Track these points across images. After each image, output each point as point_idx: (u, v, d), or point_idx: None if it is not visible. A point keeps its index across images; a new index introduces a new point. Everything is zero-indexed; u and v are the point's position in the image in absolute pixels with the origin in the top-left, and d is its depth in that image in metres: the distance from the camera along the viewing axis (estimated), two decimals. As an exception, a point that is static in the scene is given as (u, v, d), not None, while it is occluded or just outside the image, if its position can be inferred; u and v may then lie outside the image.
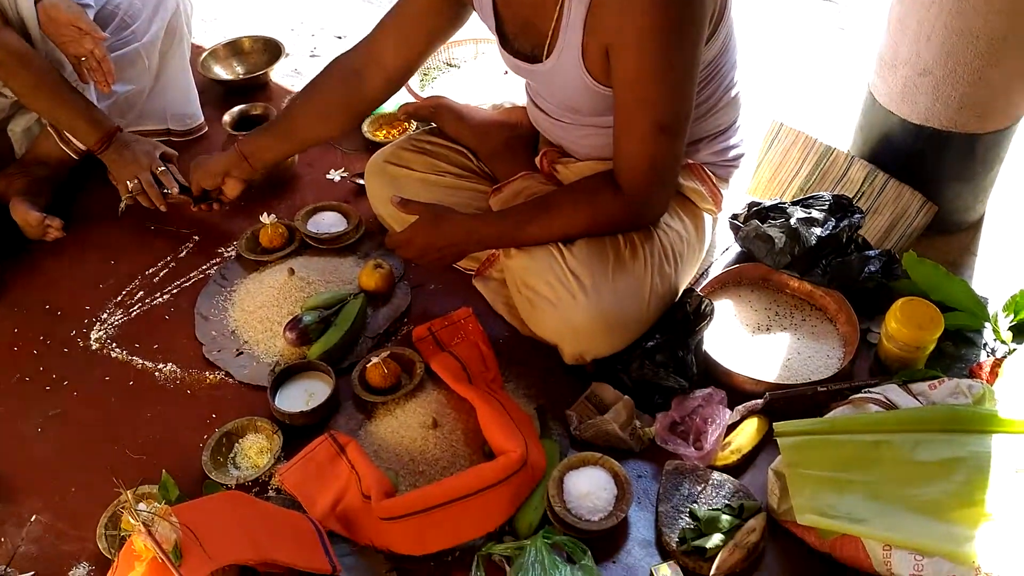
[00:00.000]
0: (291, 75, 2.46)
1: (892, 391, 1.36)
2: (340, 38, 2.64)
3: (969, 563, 1.13)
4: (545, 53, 1.41)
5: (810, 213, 1.65)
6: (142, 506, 1.08)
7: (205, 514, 1.19)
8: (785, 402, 1.46)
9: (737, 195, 1.75)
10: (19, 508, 1.44)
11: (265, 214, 1.84)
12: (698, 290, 1.59)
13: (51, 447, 1.54)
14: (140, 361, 1.67)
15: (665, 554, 1.33)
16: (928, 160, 1.76)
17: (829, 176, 1.85)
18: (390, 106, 1.88)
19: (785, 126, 1.92)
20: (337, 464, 1.43)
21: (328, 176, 2.07)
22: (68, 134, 1.90)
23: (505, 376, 1.59)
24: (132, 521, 1.05)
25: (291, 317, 1.65)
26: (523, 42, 1.45)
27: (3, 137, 1.96)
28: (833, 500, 1.22)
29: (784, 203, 1.71)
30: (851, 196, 1.75)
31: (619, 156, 1.41)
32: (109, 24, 1.96)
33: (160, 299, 1.80)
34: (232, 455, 1.49)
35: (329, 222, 1.89)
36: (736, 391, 1.51)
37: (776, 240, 1.63)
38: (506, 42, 1.49)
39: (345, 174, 2.07)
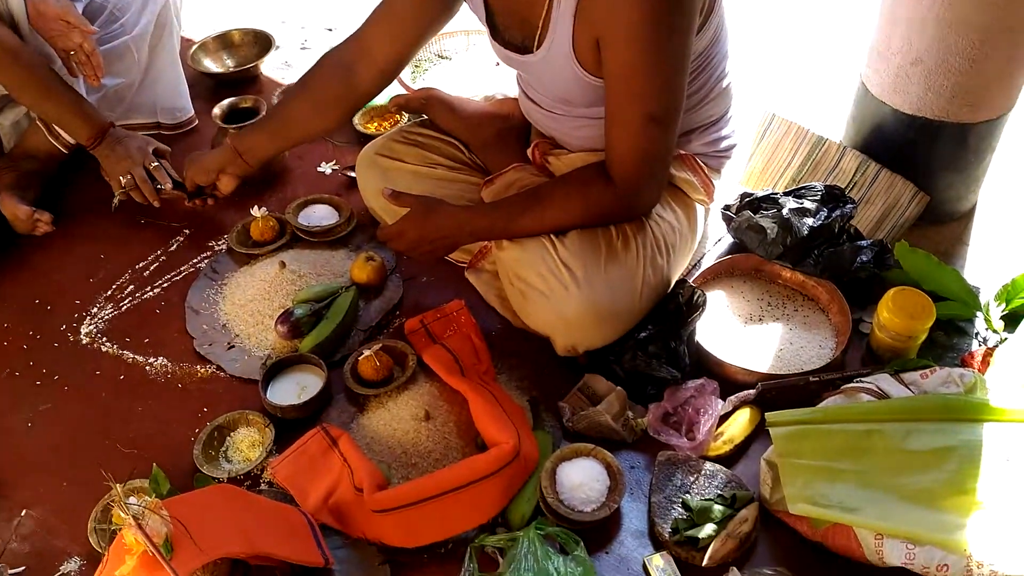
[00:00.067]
0: (281, 68, 2.45)
1: (884, 380, 1.36)
2: (330, 30, 2.63)
3: (960, 551, 1.13)
4: (536, 44, 1.40)
5: (802, 203, 1.65)
6: (132, 500, 1.08)
7: (196, 507, 1.19)
8: (777, 392, 1.46)
9: (729, 186, 1.75)
10: (9, 503, 1.43)
11: (256, 207, 1.83)
12: (690, 281, 1.59)
13: (41, 442, 1.53)
14: (131, 355, 1.67)
15: (658, 544, 1.33)
16: (920, 150, 1.76)
17: (821, 166, 1.85)
18: (381, 98, 1.87)
19: (777, 116, 1.91)
20: (329, 457, 1.42)
21: (319, 169, 2.07)
22: (59, 129, 1.89)
23: (498, 368, 1.59)
24: (122, 515, 1.04)
25: (282, 310, 1.64)
26: (514, 33, 1.45)
27: (-9, 131, 1.95)
28: (825, 489, 1.22)
29: (776, 194, 1.71)
30: (843, 186, 1.75)
31: (611, 147, 1.41)
32: (98, 17, 1.95)
33: (151, 293, 1.79)
34: (224, 449, 1.48)
35: (320, 215, 1.88)
36: (728, 381, 1.51)
37: (768, 231, 1.63)
38: (496, 33, 1.49)
39: (336, 167, 2.07)
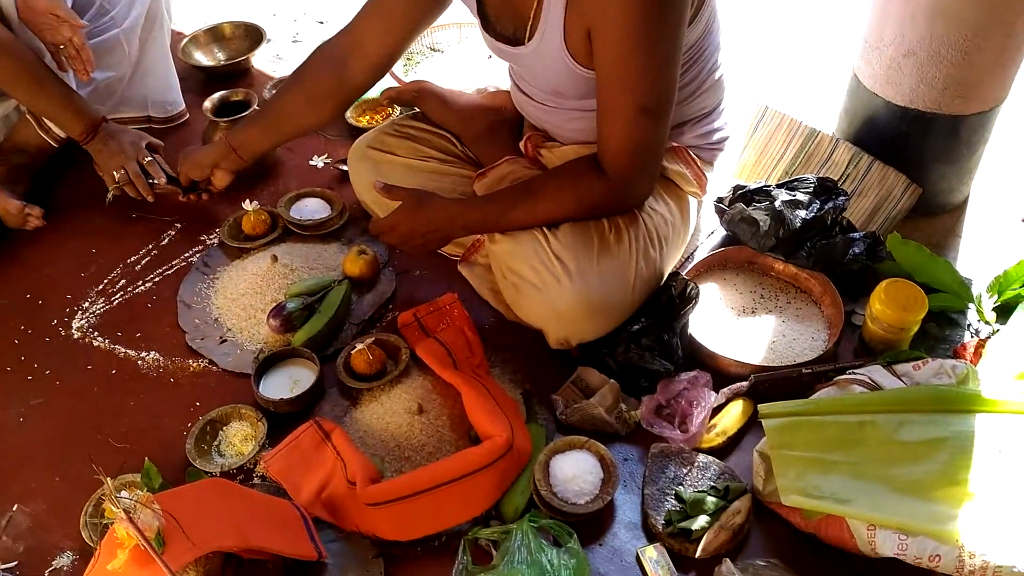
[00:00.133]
0: (273, 61, 2.44)
1: (876, 372, 1.36)
2: (322, 23, 2.62)
3: (953, 542, 1.13)
4: (527, 36, 1.40)
5: (795, 196, 1.65)
6: (124, 494, 1.07)
7: (188, 501, 1.19)
8: (770, 384, 1.46)
9: (722, 178, 1.75)
10: (1, 498, 1.43)
11: (247, 201, 1.82)
12: (683, 273, 1.59)
13: (33, 437, 1.53)
14: (123, 350, 1.66)
15: (651, 536, 1.33)
16: (913, 142, 1.76)
17: (814, 159, 1.85)
18: (373, 92, 1.87)
19: (770, 109, 1.91)
20: (322, 451, 1.42)
21: (311, 162, 2.06)
22: (50, 123, 1.88)
23: (491, 361, 1.59)
24: (114, 509, 1.04)
25: (275, 304, 1.64)
26: (505, 24, 1.44)
27: (-19, 125, 1.94)
28: (818, 481, 1.22)
29: (769, 186, 1.71)
30: (836, 179, 1.75)
31: (603, 140, 1.40)
32: (88, 11, 1.93)
33: (142, 287, 1.78)
34: (216, 443, 1.48)
35: (312, 208, 1.88)
36: (721, 374, 1.51)
37: (761, 223, 1.63)
38: (488, 24, 1.48)
39: (328, 160, 2.06)
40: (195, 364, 1.62)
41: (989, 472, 1.19)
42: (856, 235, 1.64)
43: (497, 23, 1.46)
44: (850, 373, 1.38)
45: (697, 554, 1.27)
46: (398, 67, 2.20)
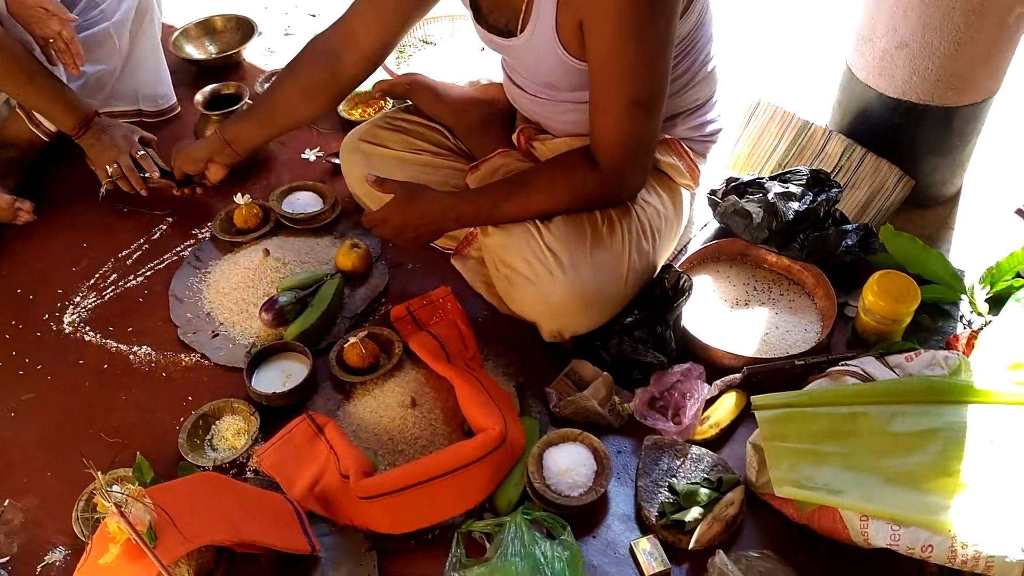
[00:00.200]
0: (265, 54, 2.43)
1: (869, 364, 1.37)
2: (314, 16, 2.61)
3: (945, 532, 1.13)
4: (519, 27, 1.39)
5: (787, 188, 1.65)
6: (115, 488, 1.07)
7: (180, 495, 1.18)
8: (763, 376, 1.46)
9: (715, 170, 1.74)
10: (-7, 494, 1.43)
11: (239, 195, 1.81)
12: (676, 266, 1.59)
13: (25, 432, 1.52)
14: (114, 344, 1.65)
15: (645, 528, 1.33)
16: (905, 134, 1.76)
17: (807, 151, 1.85)
18: (365, 84, 1.86)
19: (763, 101, 1.91)
20: (315, 444, 1.42)
21: (303, 156, 2.05)
22: (44, 118, 1.87)
23: (484, 355, 1.58)
24: (105, 503, 1.04)
25: (267, 298, 1.63)
26: (497, 16, 1.44)
27: (-30, 119, 1.92)
28: (811, 472, 1.22)
29: (762, 178, 1.71)
30: (829, 171, 1.75)
31: (595, 132, 1.40)
32: (78, 4, 1.93)
33: (134, 281, 1.78)
34: (209, 437, 1.48)
35: (304, 202, 1.87)
36: (715, 366, 1.51)
37: (754, 215, 1.63)
38: (480, 16, 1.48)
39: (320, 153, 2.05)
40: (187, 358, 1.62)
41: (981, 463, 1.20)
42: (849, 227, 1.64)
43: (489, 15, 1.46)
44: (843, 364, 1.38)
45: (690, 545, 1.27)
46: (390, 60, 2.19)
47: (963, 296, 1.60)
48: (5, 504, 1.41)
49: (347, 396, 1.53)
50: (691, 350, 1.55)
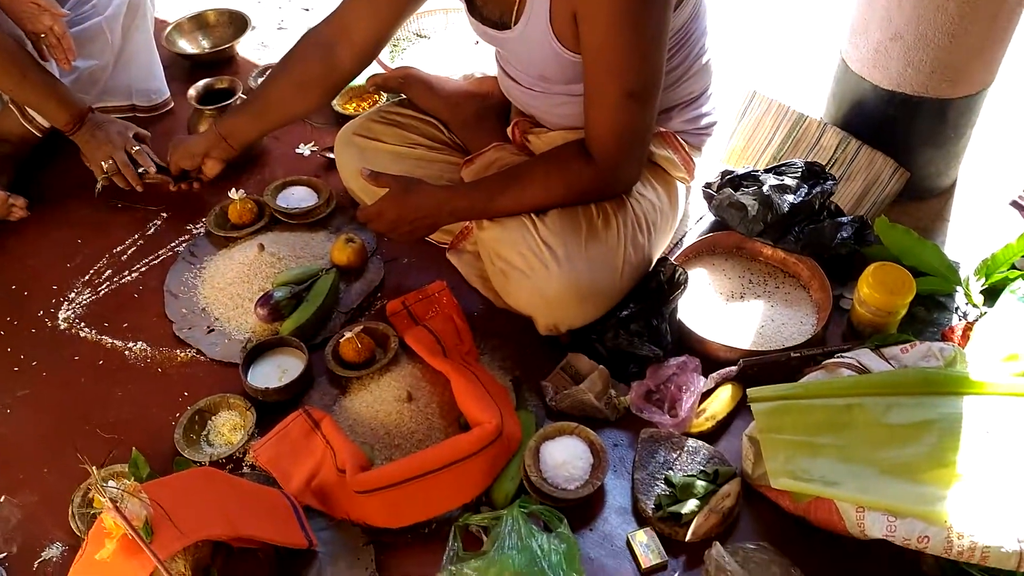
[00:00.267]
0: (258, 48, 2.42)
1: (865, 355, 1.37)
2: (307, 10, 2.59)
3: (941, 523, 1.14)
4: (513, 19, 1.39)
5: (783, 180, 1.65)
6: (111, 483, 1.07)
7: (176, 491, 1.18)
8: (759, 369, 1.46)
9: (710, 164, 1.74)
10: (-11, 490, 1.42)
11: (233, 190, 1.81)
12: (672, 259, 1.59)
13: (20, 428, 1.52)
14: (109, 340, 1.65)
15: (641, 521, 1.33)
16: (900, 126, 1.76)
17: (802, 144, 1.85)
18: (359, 79, 1.85)
19: (758, 94, 1.91)
20: (312, 439, 1.42)
21: (297, 150, 2.05)
22: (37, 114, 1.86)
23: (480, 348, 1.58)
24: (100, 498, 1.03)
25: (262, 293, 1.63)
26: (491, 8, 1.43)
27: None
28: (806, 464, 1.22)
29: (757, 171, 1.71)
30: (824, 163, 1.75)
31: (590, 125, 1.40)
32: (69, -1, 1.92)
33: (128, 277, 1.77)
34: (205, 432, 1.48)
35: (299, 197, 1.87)
36: (710, 359, 1.51)
37: (749, 208, 1.63)
38: (474, 8, 1.47)
39: (315, 148, 2.05)
40: (183, 354, 1.62)
41: (977, 454, 1.20)
42: (844, 219, 1.64)
43: (483, 7, 1.45)
44: (838, 357, 1.38)
45: (687, 538, 1.27)
46: (384, 54, 2.19)
47: (958, 288, 1.61)
48: (1, 501, 1.40)
49: (343, 391, 1.53)
50: (687, 343, 1.55)
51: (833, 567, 1.26)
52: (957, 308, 1.61)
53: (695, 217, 1.80)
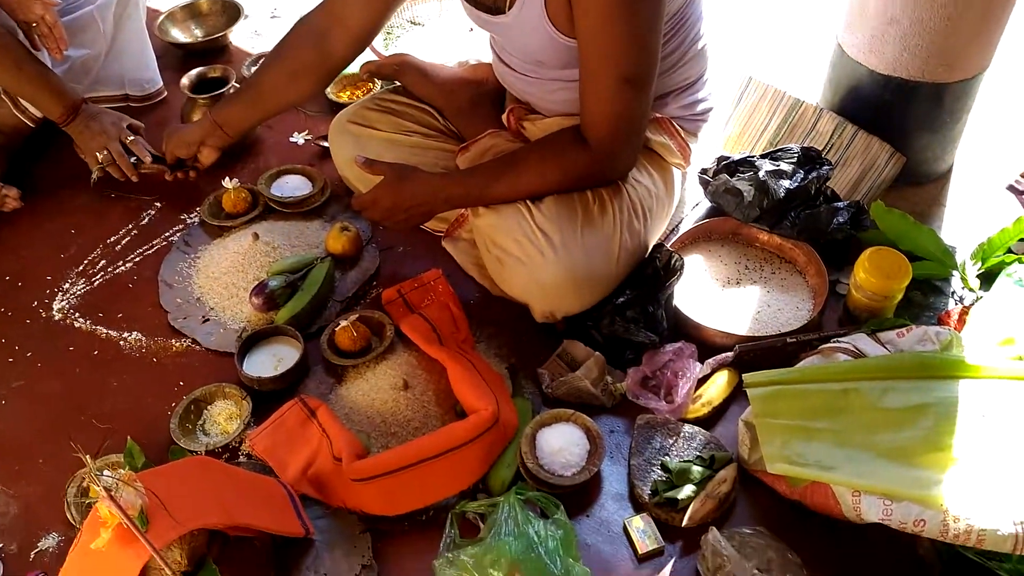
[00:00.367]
0: (251, 37, 2.40)
1: (861, 340, 1.36)
2: (301, -2, 2.58)
3: (937, 506, 1.14)
4: (507, 4, 1.38)
5: (778, 166, 1.65)
6: (106, 473, 1.06)
7: (172, 479, 1.18)
8: (755, 354, 1.46)
9: (706, 149, 1.74)
10: (-16, 481, 1.42)
11: (228, 179, 1.80)
12: (668, 245, 1.59)
13: (16, 419, 1.51)
14: (104, 330, 1.65)
15: (638, 506, 1.34)
16: (896, 111, 1.75)
17: (798, 129, 1.84)
18: (353, 67, 1.84)
19: (754, 80, 1.90)
20: (307, 428, 1.42)
21: (291, 139, 2.04)
22: (30, 105, 1.85)
23: (476, 336, 1.58)
24: (95, 487, 1.03)
25: (257, 282, 1.62)
26: (485, -7, 1.42)
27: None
28: (802, 448, 1.22)
29: (753, 156, 1.70)
30: (820, 149, 1.74)
31: (585, 110, 1.39)
32: (60, -14, 1.90)
33: (123, 267, 1.76)
34: (201, 422, 1.47)
35: (293, 185, 1.86)
36: (706, 345, 1.51)
37: (745, 194, 1.62)
38: (467, -7, 1.46)
39: (309, 137, 2.04)
40: (178, 344, 1.61)
41: (973, 437, 1.20)
42: (840, 204, 1.64)
43: (477, -7, 1.44)
44: (834, 341, 1.38)
45: (683, 523, 1.28)
46: (378, 41, 2.17)
47: (954, 272, 1.61)
48: (-4, 491, 1.40)
49: (339, 379, 1.53)
50: (683, 329, 1.55)
51: (829, 551, 1.27)
52: (953, 292, 1.61)
53: (691, 203, 1.80)
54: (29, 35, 1.78)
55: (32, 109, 1.86)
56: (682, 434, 1.39)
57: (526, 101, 1.63)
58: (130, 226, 1.85)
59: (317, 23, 1.62)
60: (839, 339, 1.38)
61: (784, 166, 1.64)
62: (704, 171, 1.74)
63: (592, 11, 1.28)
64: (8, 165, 1.92)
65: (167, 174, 1.85)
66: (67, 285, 1.73)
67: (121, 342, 1.62)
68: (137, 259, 1.78)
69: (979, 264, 1.60)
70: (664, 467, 1.34)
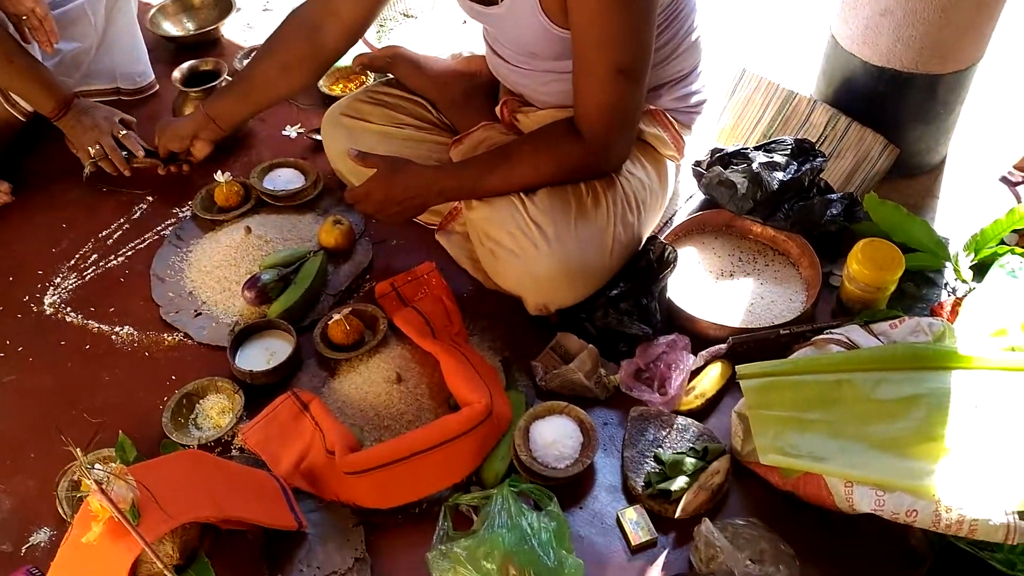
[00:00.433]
0: (243, 30, 2.39)
1: (854, 331, 1.36)
2: (293, -9, 2.57)
3: (929, 496, 1.14)
4: (500, -5, 1.38)
5: (772, 158, 1.65)
6: (97, 466, 1.06)
7: (164, 473, 1.18)
8: (748, 346, 1.46)
9: (700, 141, 1.73)
10: (-25, 476, 1.41)
11: (220, 172, 1.80)
12: (662, 237, 1.59)
13: (7, 414, 1.51)
14: (96, 325, 1.64)
15: (631, 498, 1.33)
16: (890, 103, 1.75)
17: (792, 121, 1.84)
18: (345, 59, 1.83)
19: (748, 72, 1.90)
20: (300, 421, 1.41)
21: (284, 132, 2.03)
22: (21, 99, 1.84)
23: (470, 329, 1.58)
24: (86, 481, 1.03)
25: (249, 276, 1.61)
26: (477, -16, 1.42)
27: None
28: (795, 440, 1.22)
29: (746, 148, 1.70)
30: (814, 140, 1.74)
31: (579, 102, 1.39)
32: (50, -21, 1.89)
33: (115, 261, 1.76)
34: (193, 416, 1.47)
35: (286, 179, 1.85)
36: (700, 337, 1.51)
37: (739, 186, 1.62)
38: (459, -16, 1.46)
39: (301, 130, 2.03)
40: (170, 338, 1.61)
41: (965, 428, 1.20)
42: (834, 196, 1.64)
43: (469, -17, 1.44)
44: (827, 333, 1.38)
45: (676, 514, 1.28)
46: (371, 34, 2.17)
47: (947, 263, 1.61)
48: (-12, 486, 1.40)
49: (332, 373, 1.52)
50: (676, 321, 1.55)
51: (822, 542, 1.27)
52: (946, 284, 1.61)
53: (685, 195, 1.80)
54: (19, 28, 1.77)
55: (23, 103, 1.85)
56: (675, 426, 1.39)
57: (519, 93, 1.62)
58: (122, 220, 1.84)
59: (309, 15, 1.61)
60: (832, 331, 1.38)
61: (778, 158, 1.64)
62: (698, 163, 1.74)
63: (586, 1, 1.27)
64: (-1, 159, 1.91)
65: (160, 168, 1.84)
66: (58, 279, 1.72)
67: (113, 336, 1.62)
68: (129, 253, 1.77)
69: (972, 255, 1.60)
70: (657, 459, 1.34)
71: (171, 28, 2.29)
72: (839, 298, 1.56)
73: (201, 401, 1.48)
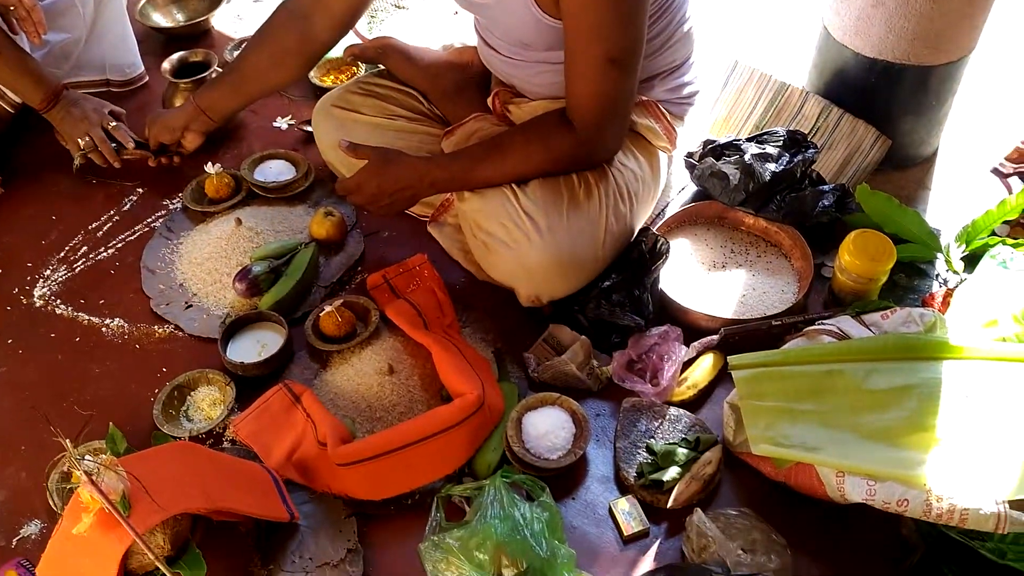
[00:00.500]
0: (233, 21, 2.38)
1: (845, 322, 1.37)
2: (285, -18, 2.55)
3: (920, 486, 1.14)
4: (492, -15, 1.37)
5: (764, 149, 1.64)
6: (88, 457, 1.05)
7: (154, 464, 1.17)
8: (740, 337, 1.46)
9: (692, 133, 1.73)
10: (-35, 469, 1.41)
11: (210, 164, 1.79)
12: (654, 229, 1.58)
13: (-3, 406, 1.50)
14: (86, 317, 1.63)
15: (623, 489, 1.34)
16: (882, 94, 1.75)
17: (784, 113, 1.84)
18: (336, 50, 1.83)
19: (740, 63, 1.90)
20: (292, 413, 1.41)
21: (275, 124, 2.02)
22: (10, 91, 1.82)
23: (462, 321, 1.57)
24: (76, 472, 1.02)
25: (240, 268, 1.61)
26: (469, -26, 1.41)
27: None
28: (787, 430, 1.23)
29: (739, 140, 1.70)
30: (806, 132, 1.74)
31: (571, 92, 1.38)
32: (38, -30, 1.87)
33: (105, 253, 1.75)
34: (184, 408, 1.46)
35: (277, 170, 1.85)
36: (692, 328, 1.51)
37: (731, 177, 1.62)
38: (451, -25, 1.45)
39: (292, 121, 2.02)
40: (160, 330, 1.60)
41: (956, 418, 1.20)
42: (825, 187, 1.64)
43: (461, -26, 1.43)
44: (819, 324, 1.38)
45: (669, 505, 1.28)
46: (362, 24, 2.16)
47: (939, 254, 1.61)
48: (-22, 479, 1.39)
49: (324, 365, 1.52)
50: (669, 313, 1.55)
51: (814, 532, 1.27)
52: (938, 275, 1.61)
53: (677, 187, 1.79)
54: (7, 19, 1.76)
55: (11, 95, 1.84)
56: (667, 417, 1.39)
57: (511, 84, 1.62)
58: (112, 212, 1.83)
59: (300, 6, 1.61)
60: (824, 321, 1.38)
61: (770, 149, 1.64)
62: (690, 155, 1.74)
63: (578, -9, 1.27)
64: (-13, 151, 1.90)
65: (150, 160, 1.83)
66: (48, 272, 1.72)
67: (103, 328, 1.61)
68: (119, 245, 1.76)
69: (963, 246, 1.60)
70: (649, 449, 1.34)
71: (161, 19, 2.28)
72: (831, 289, 1.57)
73: (192, 393, 1.48)
